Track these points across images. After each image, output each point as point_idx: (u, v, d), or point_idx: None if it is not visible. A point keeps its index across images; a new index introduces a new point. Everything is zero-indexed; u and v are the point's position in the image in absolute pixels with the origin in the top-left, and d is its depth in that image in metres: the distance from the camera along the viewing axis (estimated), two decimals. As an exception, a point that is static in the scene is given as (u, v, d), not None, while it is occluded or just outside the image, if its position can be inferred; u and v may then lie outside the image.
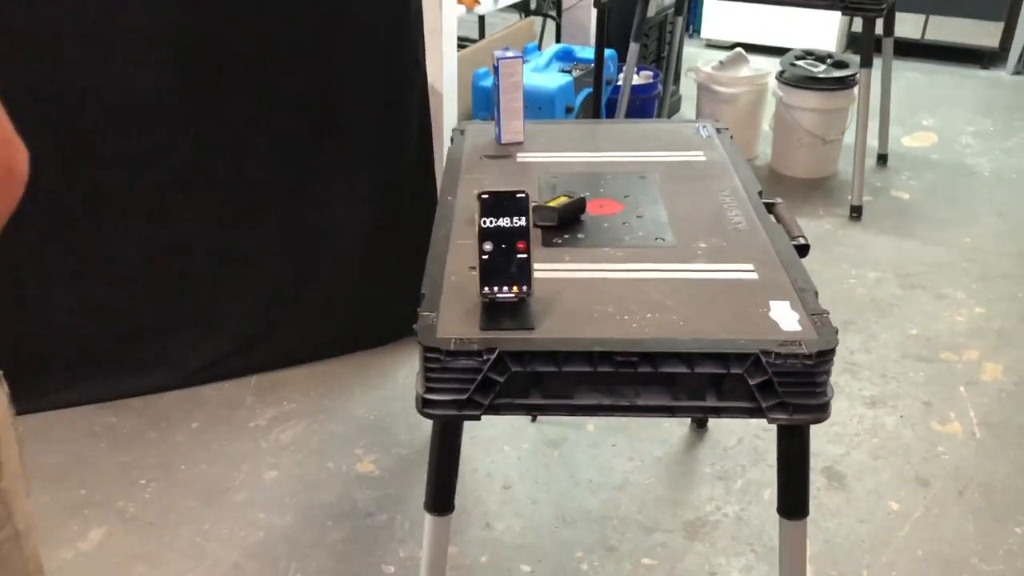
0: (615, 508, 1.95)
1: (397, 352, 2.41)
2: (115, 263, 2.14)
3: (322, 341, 2.38)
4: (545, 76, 3.10)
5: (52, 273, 2.10)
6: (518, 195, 1.16)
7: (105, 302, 2.18)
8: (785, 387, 1.15)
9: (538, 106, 2.96)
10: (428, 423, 1.26)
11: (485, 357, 1.14)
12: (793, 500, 1.27)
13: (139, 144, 2.02)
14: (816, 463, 2.05)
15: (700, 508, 1.96)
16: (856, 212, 3.13)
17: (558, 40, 3.82)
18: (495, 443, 2.12)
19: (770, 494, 1.98)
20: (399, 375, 2.34)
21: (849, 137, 3.31)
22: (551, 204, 1.41)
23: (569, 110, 3.06)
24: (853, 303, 2.66)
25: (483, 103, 3.09)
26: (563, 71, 3.16)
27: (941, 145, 3.74)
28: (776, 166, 3.50)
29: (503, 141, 1.72)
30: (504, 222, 1.16)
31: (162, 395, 2.26)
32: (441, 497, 1.29)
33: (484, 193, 1.16)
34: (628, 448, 2.11)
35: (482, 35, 3.96)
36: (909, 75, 4.44)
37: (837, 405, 2.07)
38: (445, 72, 2.68)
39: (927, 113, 4.04)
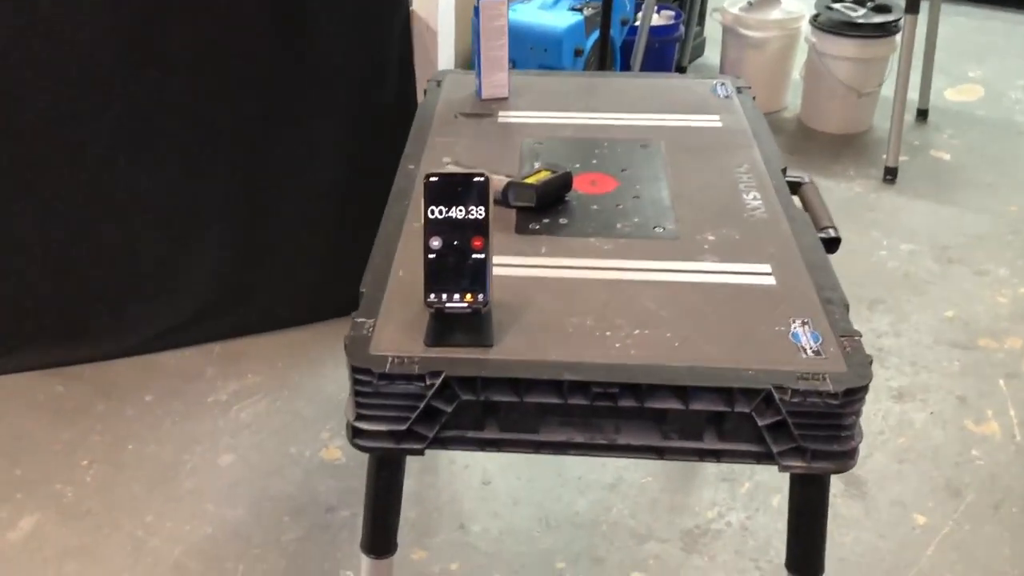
0: (605, 511, 1.75)
1: (375, 320, 2.19)
2: (60, 224, 1.92)
3: (293, 307, 2.16)
4: (553, 15, 2.81)
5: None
6: (475, 179, 0.92)
7: (53, 266, 1.96)
8: (803, 430, 0.92)
9: (544, 48, 2.69)
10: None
11: (428, 382, 0.91)
12: (806, 557, 1.05)
13: (73, 92, 1.79)
14: (834, 466, 1.83)
15: (700, 514, 1.74)
16: (891, 174, 2.85)
17: (573, -27, 3.51)
18: (476, 430, 1.91)
19: (780, 501, 1.76)
20: (376, 347, 2.13)
21: (887, 89, 3.01)
22: (529, 181, 1.17)
23: (579, 53, 2.78)
24: (883, 278, 2.41)
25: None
26: (573, 9, 2.87)
27: (988, 99, 3.42)
28: (805, 119, 3.21)
29: (484, 96, 1.47)
30: (457, 212, 0.92)
31: (116, 362, 2.06)
32: (379, 538, 1.07)
33: (432, 174, 0.92)
34: (624, 441, 1.89)
35: (491, -35, 3.65)
36: (955, 19, 4.08)
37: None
38: (440, 6, 2.40)
39: (974, 63, 3.71)
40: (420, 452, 0.95)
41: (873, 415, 1.97)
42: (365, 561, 1.09)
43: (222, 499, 1.75)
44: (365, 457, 1.70)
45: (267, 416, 1.94)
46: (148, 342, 2.07)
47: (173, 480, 1.79)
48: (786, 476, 1.06)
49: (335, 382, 2.03)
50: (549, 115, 1.43)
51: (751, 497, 1.78)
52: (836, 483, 1.81)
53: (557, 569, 1.63)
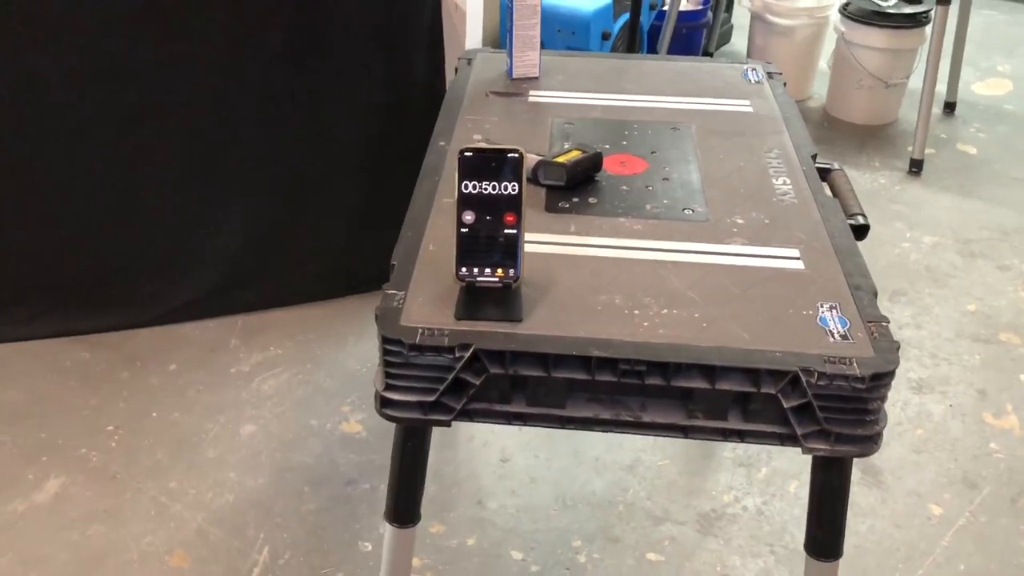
0: (622, 492, 1.76)
1: (398, 297, 2.21)
2: (82, 195, 1.94)
3: (317, 281, 2.17)
4: (582, -4, 2.81)
5: (13, 204, 1.93)
6: (510, 155, 0.93)
7: (76, 236, 1.99)
8: (827, 412, 0.93)
9: (571, 31, 2.68)
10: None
11: (458, 354, 0.92)
12: (825, 540, 1.06)
13: (96, 62, 1.80)
14: (851, 455, 1.84)
15: (717, 498, 1.75)
16: (916, 166, 2.83)
17: (602, -44, 3.49)
18: (495, 409, 1.92)
19: (797, 487, 1.77)
20: (397, 324, 2.14)
21: (915, 81, 2.99)
22: (560, 160, 1.18)
23: (606, 36, 2.77)
24: (905, 270, 2.40)
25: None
26: (602, -8, 2.86)
27: (1016, 94, 3.40)
28: (831, 110, 3.20)
29: (515, 75, 1.47)
30: (490, 188, 0.93)
31: (141, 331, 2.08)
32: (403, 508, 1.09)
33: (467, 150, 0.93)
34: (642, 423, 1.90)
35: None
36: (986, 13, 4.05)
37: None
38: (469, -15, 2.40)
39: (1003, 57, 3.68)
40: (447, 423, 0.97)
41: (892, 406, 1.97)
42: (389, 530, 1.11)
43: (244, 468, 1.77)
44: (385, 432, 1.72)
45: (289, 388, 1.96)
46: (172, 312, 2.09)
47: (196, 448, 1.81)
48: (804, 463, 1.07)
49: (356, 356, 2.05)
50: (580, 96, 1.44)
51: (768, 482, 1.79)
52: (852, 471, 1.81)
53: (573, 547, 1.65)
